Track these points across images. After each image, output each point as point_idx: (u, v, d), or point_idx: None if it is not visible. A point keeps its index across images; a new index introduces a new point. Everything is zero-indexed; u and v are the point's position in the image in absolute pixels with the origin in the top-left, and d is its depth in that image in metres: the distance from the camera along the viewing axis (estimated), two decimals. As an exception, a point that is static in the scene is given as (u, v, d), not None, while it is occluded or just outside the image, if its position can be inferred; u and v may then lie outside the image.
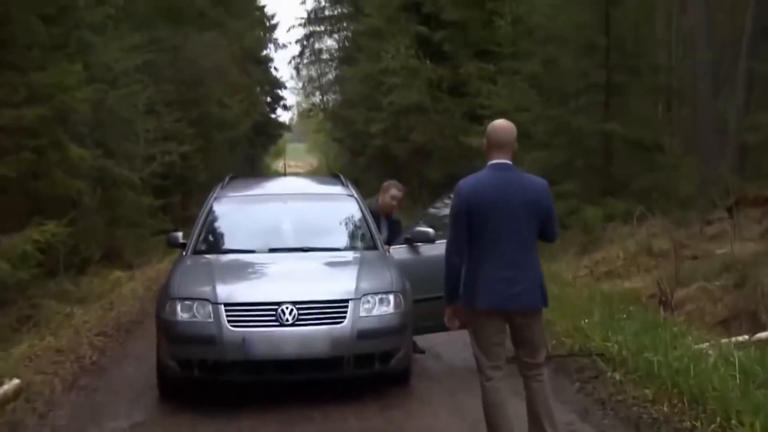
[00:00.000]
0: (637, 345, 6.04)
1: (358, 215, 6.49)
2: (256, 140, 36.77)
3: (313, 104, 45.40)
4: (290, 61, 43.70)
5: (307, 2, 65.85)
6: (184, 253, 6.15)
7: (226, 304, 5.16)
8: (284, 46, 63.88)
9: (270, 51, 40.14)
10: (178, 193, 19.55)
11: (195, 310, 5.21)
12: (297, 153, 70.90)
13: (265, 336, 5.11)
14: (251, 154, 38.07)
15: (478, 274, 3.95)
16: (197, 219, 6.46)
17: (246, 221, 6.47)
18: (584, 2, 14.84)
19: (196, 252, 6.11)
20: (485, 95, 17.48)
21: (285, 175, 9.94)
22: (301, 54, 42.88)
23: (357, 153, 30.49)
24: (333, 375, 5.27)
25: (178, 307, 5.25)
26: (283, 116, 44.87)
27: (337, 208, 6.61)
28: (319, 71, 43.34)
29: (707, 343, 6.08)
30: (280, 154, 63.35)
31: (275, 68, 45.18)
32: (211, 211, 6.41)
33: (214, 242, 6.34)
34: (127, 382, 6.19)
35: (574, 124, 14.52)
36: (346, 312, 5.21)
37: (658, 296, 8.33)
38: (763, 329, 6.69)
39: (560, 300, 8.05)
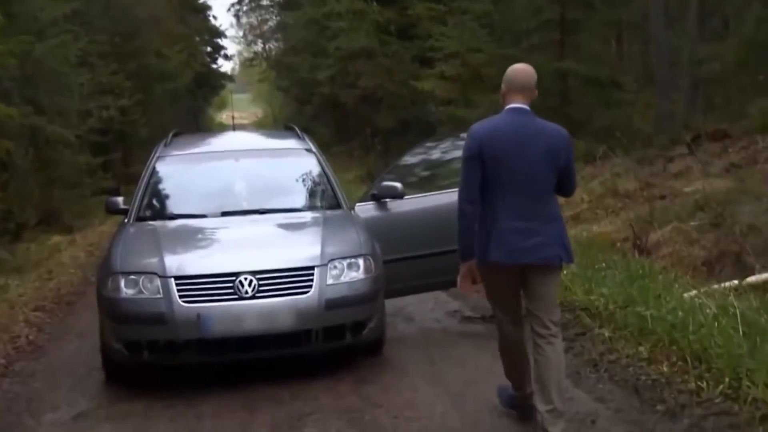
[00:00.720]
0: (624, 297, 5.62)
1: (317, 171, 5.98)
2: (198, 92, 35.94)
3: (256, 53, 44.22)
4: (229, 9, 42.18)
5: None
6: (125, 220, 5.54)
7: (176, 278, 4.65)
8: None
9: (208, -2, 38.51)
10: (118, 149, 18.72)
11: (141, 286, 4.68)
12: (241, 104, 69.17)
13: (222, 311, 4.59)
14: (194, 106, 37.21)
15: (492, 224, 3.78)
16: (139, 182, 5.83)
17: (194, 182, 5.93)
18: None
19: (140, 218, 5.54)
20: (436, 37, 16.90)
21: (233, 128, 9.26)
22: (240, 1, 41.37)
23: (303, 102, 29.75)
24: (300, 350, 4.77)
25: (122, 283, 4.70)
26: (225, 66, 43.64)
27: (295, 164, 6.10)
28: (260, 18, 42.00)
29: (695, 291, 5.68)
30: (224, 105, 61.85)
31: (214, 16, 43.66)
32: (154, 172, 5.86)
33: (159, 207, 5.79)
34: (68, 365, 5.54)
35: (532, 62, 14.01)
36: (311, 280, 4.73)
37: (632, 240, 7.95)
38: (750, 272, 6.33)
39: None
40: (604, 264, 6.70)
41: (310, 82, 25.14)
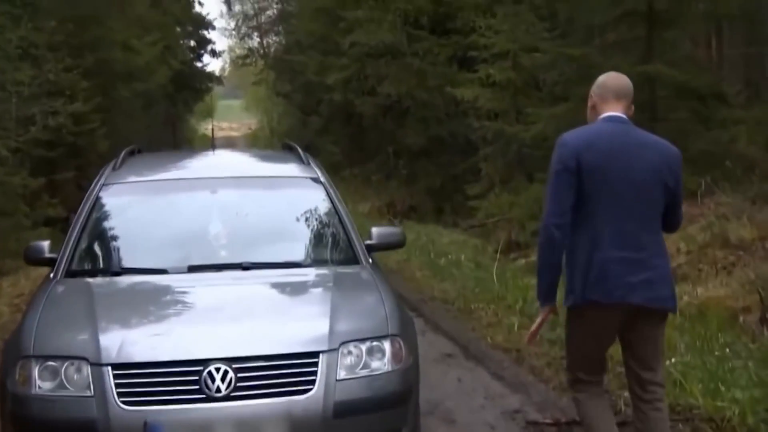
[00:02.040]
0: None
1: (326, 209, 5.42)
2: (177, 96, 35.78)
3: (250, 49, 44.08)
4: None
5: None
6: (51, 275, 4.92)
7: (115, 366, 3.99)
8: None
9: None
10: (70, 167, 18.14)
11: (63, 377, 3.99)
12: (230, 112, 69.64)
13: (181, 419, 3.92)
14: (172, 114, 36.94)
15: (591, 253, 3.82)
16: (73, 220, 5.25)
17: (152, 223, 5.36)
18: None
19: (71, 273, 4.93)
20: (480, 32, 16.57)
21: (213, 145, 8.62)
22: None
23: (309, 111, 29.32)
24: None
25: (35, 372, 4.03)
26: (212, 65, 43.34)
27: (295, 198, 5.60)
28: (256, 6, 41.87)
29: None
30: (209, 113, 61.94)
31: (199, 2, 43.57)
32: (96, 206, 5.32)
33: (100, 257, 5.27)
34: None
35: (605, 66, 13.43)
36: (315, 373, 4.07)
37: (761, 311, 7.26)
38: None
39: None
40: (727, 350, 5.96)
41: (318, 86, 24.83)
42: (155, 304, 4.70)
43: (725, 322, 7.09)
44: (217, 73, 47.54)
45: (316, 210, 5.46)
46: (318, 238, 5.45)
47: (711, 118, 13.71)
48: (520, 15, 15.97)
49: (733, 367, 5.59)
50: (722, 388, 5.25)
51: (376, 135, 22.43)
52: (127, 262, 5.01)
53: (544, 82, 16.82)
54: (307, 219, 5.46)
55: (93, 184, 5.50)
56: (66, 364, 4.00)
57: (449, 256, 11.71)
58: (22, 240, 12.72)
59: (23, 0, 13.86)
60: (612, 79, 4.08)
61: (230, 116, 67.93)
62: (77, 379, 3.98)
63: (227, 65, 60.71)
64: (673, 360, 5.78)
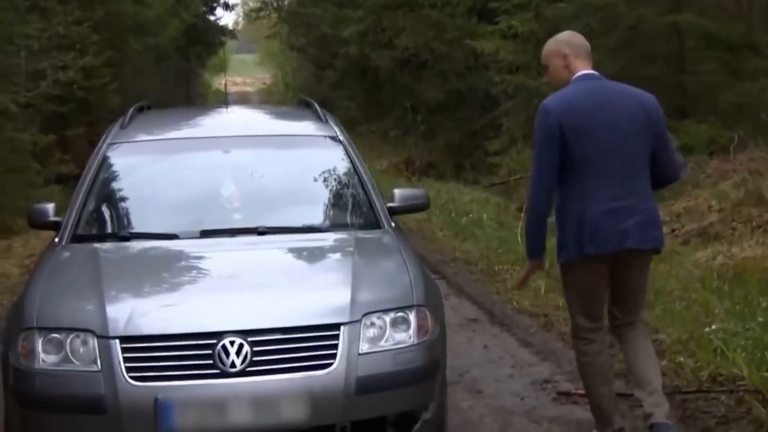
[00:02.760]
0: None
1: (346, 170, 5.17)
2: (189, 51, 35.17)
3: (264, 2, 43.42)
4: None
5: None
6: (56, 240, 4.72)
7: (123, 339, 3.77)
8: None
9: None
10: (81, 124, 17.91)
11: (68, 350, 3.80)
12: (244, 67, 69.21)
13: (194, 395, 3.73)
14: (184, 69, 36.52)
15: (582, 211, 4.06)
16: (80, 181, 5.01)
17: (161, 185, 5.13)
18: None
19: (77, 238, 4.69)
20: None
21: (226, 102, 8.35)
22: None
23: (324, 65, 28.94)
24: None
25: (39, 345, 3.81)
26: (225, 18, 42.89)
27: (313, 158, 5.32)
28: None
29: None
30: (223, 68, 61.49)
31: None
32: (103, 166, 5.07)
33: (107, 222, 5.03)
34: None
35: (631, 16, 13.10)
36: (336, 347, 3.84)
37: None
38: None
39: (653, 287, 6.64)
40: None
41: (333, 40, 24.54)
42: (166, 271, 4.47)
43: (766, 285, 6.77)
44: (230, 26, 46.98)
45: (335, 171, 5.22)
46: (337, 201, 5.24)
47: (741, 70, 13.37)
48: None
49: None
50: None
51: (393, 89, 22.15)
52: (136, 227, 4.81)
53: None
54: (325, 180, 5.23)
55: (100, 143, 5.28)
56: (71, 337, 3.80)
57: (471, 215, 11.49)
58: (32, 198, 12.54)
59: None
60: (577, 37, 4.31)
61: (244, 71, 67.46)
62: (83, 352, 3.78)
63: (240, 19, 60.16)
64: (713, 327, 5.54)
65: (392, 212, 5.01)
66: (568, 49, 4.20)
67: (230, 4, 40.67)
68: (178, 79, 36.52)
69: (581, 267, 4.10)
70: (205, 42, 39.17)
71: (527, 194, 4.30)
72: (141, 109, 5.89)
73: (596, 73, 4.18)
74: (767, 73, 13.05)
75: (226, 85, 37.18)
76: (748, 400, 4.75)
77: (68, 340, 3.78)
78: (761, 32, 14.49)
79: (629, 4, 13.33)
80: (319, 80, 30.12)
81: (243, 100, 43.55)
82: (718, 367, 5.14)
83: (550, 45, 4.33)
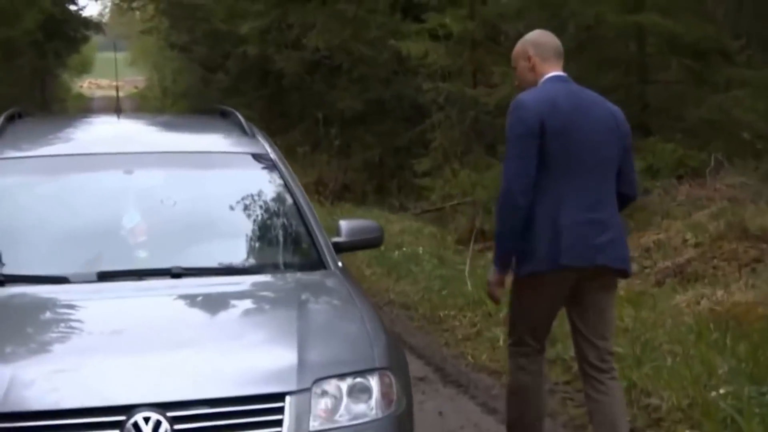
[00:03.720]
0: None
1: (280, 196, 5.05)
2: (47, 47, 34.67)
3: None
4: None
5: None
6: None
7: (0, 417, 3.41)
8: None
9: None
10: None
11: None
12: (111, 67, 67.90)
13: None
14: (40, 67, 35.80)
15: (555, 217, 4.36)
16: None
17: (46, 214, 4.81)
18: None
19: None
20: None
21: (118, 109, 8.00)
22: None
23: (214, 68, 28.54)
24: None
25: None
26: (90, 8, 42.31)
27: (239, 181, 5.15)
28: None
29: None
30: (86, 68, 60.59)
31: None
32: None
33: None
34: None
35: (586, 15, 13.25)
36: (279, 423, 3.57)
37: None
38: None
39: (632, 337, 6.77)
40: None
41: (227, 37, 24.34)
42: (55, 326, 4.16)
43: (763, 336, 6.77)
44: (95, 18, 46.39)
45: (266, 196, 5.06)
46: (270, 235, 5.04)
47: (711, 80, 13.61)
48: None
49: None
50: None
51: (301, 97, 21.96)
52: (13, 267, 4.41)
53: (507, 36, 16.57)
54: (255, 209, 5.03)
55: None
56: None
57: (403, 249, 11.36)
58: None
59: None
60: (547, 37, 4.68)
61: (111, 72, 66.22)
62: None
63: (107, 10, 59.38)
64: (720, 391, 5.44)
65: (338, 249, 4.82)
66: (534, 50, 4.56)
67: None
68: (32, 80, 35.82)
69: (549, 280, 4.40)
70: (65, 36, 38.56)
71: (501, 191, 4.46)
72: (12, 118, 5.56)
73: (565, 75, 4.55)
74: (741, 84, 13.36)
75: (117, 88, 36.57)
76: None
77: None
78: (731, 36, 14.86)
79: (583, 2, 13.48)
80: (207, 84, 29.72)
81: (111, 107, 42.83)
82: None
83: (517, 45, 4.70)
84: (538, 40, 4.61)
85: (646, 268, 9.51)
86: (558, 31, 14.06)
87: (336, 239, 4.84)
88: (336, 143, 20.18)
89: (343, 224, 4.91)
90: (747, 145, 11.07)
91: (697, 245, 9.63)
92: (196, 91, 31.70)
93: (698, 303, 8.02)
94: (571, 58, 13.24)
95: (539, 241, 4.34)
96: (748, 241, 9.34)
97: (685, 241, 9.79)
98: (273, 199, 5.04)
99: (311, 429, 3.57)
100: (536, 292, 4.45)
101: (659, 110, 13.53)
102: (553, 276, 4.37)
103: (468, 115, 15.76)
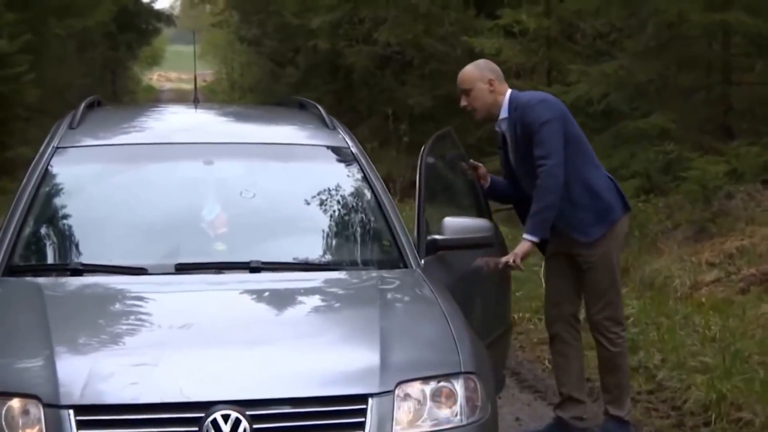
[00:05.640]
0: None
1: (362, 191, 4.91)
2: (119, 38, 35.15)
3: None
4: None
5: None
6: None
7: (79, 409, 3.30)
8: None
9: None
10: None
11: (3, 421, 3.35)
12: (181, 60, 68.76)
13: None
14: (113, 59, 36.29)
15: (605, 178, 5.51)
16: (16, 196, 4.62)
17: (124, 203, 4.72)
18: None
19: (13, 271, 4.25)
20: None
21: (196, 99, 7.91)
22: None
23: (283, 62, 28.64)
24: None
25: None
26: (162, 2, 42.94)
27: (320, 175, 5.00)
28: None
29: None
30: (156, 61, 61.22)
31: None
32: (46, 178, 4.69)
33: (53, 249, 4.60)
34: None
35: (669, 13, 12.97)
36: (362, 426, 3.42)
37: None
38: None
39: (717, 346, 6.67)
40: None
41: (297, 31, 24.36)
42: (133, 318, 4.06)
43: None
44: (167, 11, 46.87)
45: (347, 191, 4.92)
46: (351, 230, 4.91)
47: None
48: None
49: None
50: None
51: (371, 93, 21.91)
52: (91, 257, 4.34)
53: (584, 33, 16.36)
54: (336, 203, 4.89)
55: (42, 148, 4.87)
56: (8, 404, 3.36)
57: (475, 250, 11.13)
58: None
59: None
60: (494, 63, 5.61)
61: (181, 65, 67.16)
62: (24, 424, 3.35)
63: (178, 2, 60.03)
64: None
65: (437, 247, 4.66)
66: (492, 74, 5.33)
67: None
68: (104, 71, 36.32)
69: (621, 224, 5.48)
70: (137, 29, 39.10)
71: (549, 176, 5.09)
72: (92, 106, 5.52)
73: None
74: None
75: (195, 78, 36.69)
76: None
77: (3, 409, 3.36)
78: None
79: None
80: (276, 79, 29.86)
81: (181, 99, 43.26)
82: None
83: (473, 71, 5.39)
84: (492, 66, 5.42)
85: (731, 274, 9.30)
86: (636, 30, 13.94)
87: (436, 236, 4.66)
88: (405, 140, 20.03)
89: (447, 221, 4.69)
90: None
91: None
92: (264, 85, 31.88)
93: None
94: (652, 56, 13.22)
95: (607, 197, 5.32)
96: None
97: None
98: (354, 194, 4.92)
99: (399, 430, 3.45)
100: (615, 239, 5.39)
101: (743, 112, 13.16)
102: (623, 219, 5.45)
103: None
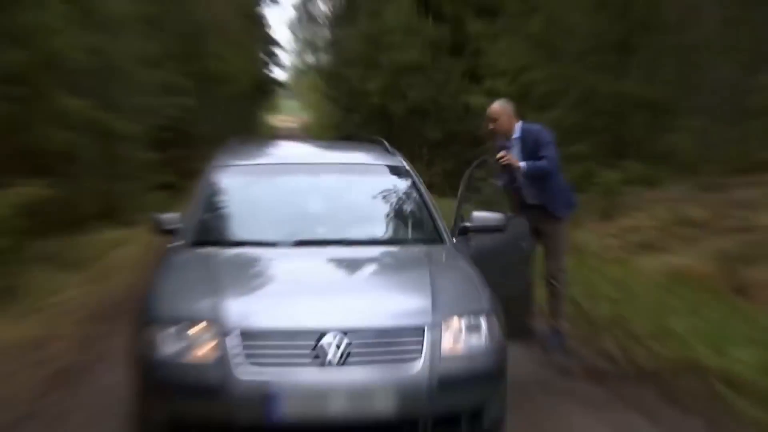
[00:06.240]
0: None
1: (413, 194, 4.59)
2: (254, 97, 34.67)
3: (307, 64, 43.16)
4: (288, 25, 41.30)
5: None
6: (174, 245, 4.09)
7: (239, 331, 3.14)
8: (276, 1, 59.55)
9: (265, 3, 37.26)
10: (179, 146, 17.35)
11: (190, 341, 3.16)
12: (289, 108, 68.46)
13: (299, 385, 3.08)
14: (249, 109, 36.02)
15: (565, 181, 5.45)
16: (194, 196, 4.48)
17: (262, 200, 4.49)
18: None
19: (196, 243, 4.06)
20: (487, 55, 15.73)
21: (302, 137, 7.68)
22: (298, 19, 40.54)
23: (351, 110, 28.20)
24: None
25: (162, 336, 3.18)
26: (278, 73, 42.87)
27: (386, 184, 4.67)
28: (313, 33, 40.90)
29: None
30: (274, 110, 60.83)
31: (269, 26, 42.68)
32: (212, 185, 4.46)
33: (219, 229, 4.32)
34: (109, 406, 4.11)
35: (586, 83, 12.71)
36: (420, 346, 3.19)
37: (727, 279, 6.58)
38: None
39: (620, 285, 6.40)
40: (718, 312, 5.33)
41: (360, 92, 23.79)
42: (271, 274, 3.91)
43: (698, 287, 6.38)
44: (282, 80, 46.69)
45: (404, 194, 4.62)
46: (406, 219, 4.56)
47: (664, 125, 12.97)
48: (518, 43, 15.04)
49: (735, 332, 4.85)
50: (724, 347, 4.53)
51: (404, 130, 21.50)
52: (243, 235, 4.16)
53: (532, 95, 16.09)
54: (396, 202, 4.62)
55: (210, 166, 4.66)
56: (193, 329, 3.17)
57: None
58: (148, 200, 12.17)
59: (151, 20, 13.02)
60: (510, 104, 5.34)
61: (288, 112, 66.90)
62: (203, 343, 3.14)
63: (289, 74, 59.66)
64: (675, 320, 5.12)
65: (467, 231, 4.36)
66: (512, 110, 5.26)
67: (282, 64, 40.56)
68: (243, 117, 36.25)
69: (574, 213, 5.49)
70: (263, 90, 38.87)
71: (548, 162, 5.03)
72: (237, 141, 5.38)
73: None
74: (688, 129, 12.71)
75: (303, 124, 36.58)
76: (714, 384, 4.25)
77: (190, 332, 3.16)
78: (678, 97, 14.14)
79: (585, 73, 12.98)
80: (347, 121, 29.37)
81: (291, 133, 43.13)
82: (680, 351, 4.71)
83: (499, 109, 5.24)
84: (510, 106, 5.27)
85: (625, 242, 9.03)
86: (566, 92, 13.53)
87: (467, 224, 4.36)
88: (425, 158, 19.88)
89: (475, 215, 4.37)
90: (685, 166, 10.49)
91: (657, 228, 9.18)
92: (339, 125, 31.54)
93: (656, 264, 7.68)
94: (575, 109, 12.93)
95: (572, 196, 5.33)
96: (687, 226, 8.84)
97: (648, 225, 9.37)
98: (407, 195, 4.62)
99: (442, 350, 3.21)
100: (569, 221, 5.37)
101: (631, 143, 12.86)
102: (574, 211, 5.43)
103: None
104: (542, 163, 4.99)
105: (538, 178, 5.07)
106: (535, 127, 5.27)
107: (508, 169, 5.11)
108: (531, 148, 5.08)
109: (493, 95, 15.84)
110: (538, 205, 5.10)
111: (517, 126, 5.23)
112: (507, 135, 5.21)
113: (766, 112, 12.83)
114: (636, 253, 8.43)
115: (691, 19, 13.73)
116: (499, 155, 5.09)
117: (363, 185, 4.67)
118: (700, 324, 5.01)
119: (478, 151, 17.70)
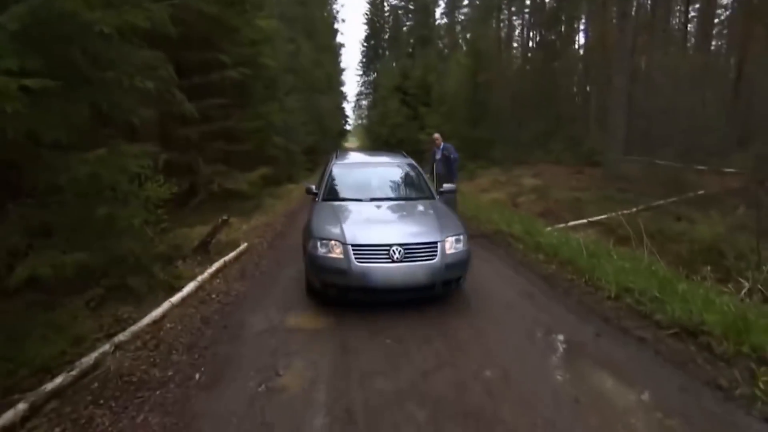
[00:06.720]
0: (524, 229, 4.03)
1: (416, 174, 3.59)
2: (340, 134, 30.70)
3: (358, 123, 39.94)
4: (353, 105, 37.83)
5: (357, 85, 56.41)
6: (316, 200, 3.24)
7: (353, 245, 2.63)
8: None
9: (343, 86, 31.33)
10: (314, 154, 15.37)
11: (331, 248, 2.64)
12: (351, 138, 63.78)
13: (380, 270, 2.60)
14: (338, 139, 32.44)
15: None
16: (322, 178, 3.48)
17: (354, 180, 3.51)
18: (462, 83, 11.70)
19: (325, 199, 3.23)
20: (426, 119, 14.14)
21: (368, 151, 6.80)
22: (356, 104, 37.27)
23: (375, 140, 25.12)
24: (427, 294, 2.73)
25: (319, 245, 2.67)
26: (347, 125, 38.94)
27: (405, 170, 3.66)
28: (361, 109, 37.68)
29: (549, 228, 4.37)
30: (347, 139, 56.08)
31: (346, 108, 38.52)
32: (331, 172, 3.53)
33: (335, 193, 3.35)
34: (295, 247, 3.62)
35: (462, 130, 11.75)
36: (436, 251, 2.67)
37: (511, 202, 6.51)
38: (565, 221, 4.92)
39: (476, 205, 5.61)
40: (508, 212, 5.20)
41: (378, 133, 20.91)
42: (362, 215, 2.98)
43: (501, 205, 5.76)
44: (349, 128, 42.44)
45: (413, 175, 3.54)
46: (417, 186, 3.45)
47: (491, 148, 11.27)
48: (436, 116, 13.14)
49: (513, 218, 4.40)
50: (510, 224, 4.12)
51: (393, 148, 18.29)
52: (346, 195, 3.24)
53: (442, 135, 14.37)
54: (411, 179, 3.52)
55: (327, 164, 3.61)
56: (332, 243, 2.63)
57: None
58: (302, 174, 11.50)
59: (303, 108, 12.22)
60: (439, 134, 4.34)
61: (350, 141, 61.96)
62: (337, 249, 2.61)
63: (352, 125, 54.64)
64: (497, 217, 4.48)
65: (441, 193, 3.40)
66: (440, 137, 4.30)
67: (348, 118, 36.03)
68: (336, 143, 32.91)
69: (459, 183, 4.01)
70: (342, 132, 34.20)
71: (456, 163, 4.05)
72: (340, 152, 4.11)
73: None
74: (499, 149, 11.34)
75: (358, 145, 30.13)
76: (507, 237, 3.95)
77: (330, 244, 2.63)
78: (497, 137, 12.17)
79: (462, 126, 12.08)
80: (376, 143, 25.66)
81: (354, 149, 38.48)
82: (496, 226, 4.29)
83: (436, 135, 4.36)
84: (439, 135, 4.34)
85: (509, 194, 6.75)
86: (453, 137, 11.75)
87: (441, 189, 3.41)
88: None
89: (445, 185, 3.44)
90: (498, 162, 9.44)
91: (488, 184, 8.20)
92: (373, 145, 28.78)
93: (485, 197, 6.94)
94: (462, 122, 11.35)
95: (458, 172, 4.11)
96: (499, 184, 8.12)
97: (485, 183, 8.37)
98: (415, 175, 3.51)
99: (446, 253, 2.63)
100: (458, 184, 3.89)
101: (479, 152, 11.42)
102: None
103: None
104: (455, 158, 4.26)
105: (448, 165, 4.26)
106: (449, 144, 4.41)
107: (434, 161, 4.41)
108: (446, 154, 4.40)
109: (430, 133, 14.92)
110: (445, 175, 4.26)
111: (442, 144, 4.47)
112: (438, 147, 4.50)
113: (526, 143, 12.35)
114: (480, 193, 7.83)
115: (501, 106, 12.92)
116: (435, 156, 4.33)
117: (395, 171, 3.63)
118: (502, 216, 4.63)
119: (425, 155, 16.43)
